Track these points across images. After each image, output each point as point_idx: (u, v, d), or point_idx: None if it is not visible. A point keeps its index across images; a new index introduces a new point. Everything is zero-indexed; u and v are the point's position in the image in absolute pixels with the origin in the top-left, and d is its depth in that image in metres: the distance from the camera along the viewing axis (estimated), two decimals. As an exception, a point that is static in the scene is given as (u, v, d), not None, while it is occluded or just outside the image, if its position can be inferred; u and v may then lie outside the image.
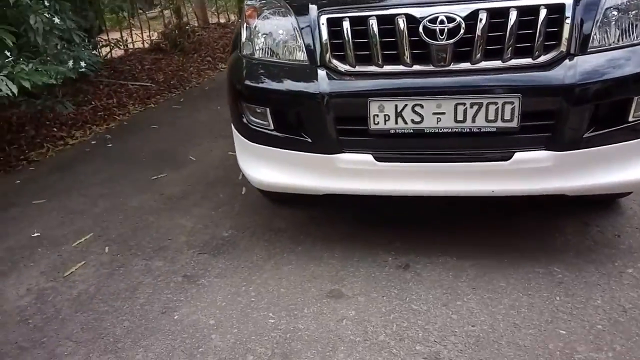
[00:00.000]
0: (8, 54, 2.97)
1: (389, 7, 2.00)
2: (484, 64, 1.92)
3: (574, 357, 1.73)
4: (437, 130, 1.97)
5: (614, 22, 1.91)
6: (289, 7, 2.18)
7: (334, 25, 2.02)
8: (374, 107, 1.98)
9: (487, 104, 1.90)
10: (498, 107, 1.89)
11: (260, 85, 2.23)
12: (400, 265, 2.27)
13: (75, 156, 4.05)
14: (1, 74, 2.81)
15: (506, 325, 1.88)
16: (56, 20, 3.24)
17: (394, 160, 2.05)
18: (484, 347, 1.80)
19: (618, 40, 1.91)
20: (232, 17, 10.07)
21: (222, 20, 9.96)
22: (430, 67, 1.95)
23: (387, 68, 1.99)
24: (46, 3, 3.23)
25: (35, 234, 2.82)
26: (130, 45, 7.98)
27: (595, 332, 1.83)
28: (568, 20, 1.86)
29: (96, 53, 5.30)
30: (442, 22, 1.89)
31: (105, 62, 6.74)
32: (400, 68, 1.98)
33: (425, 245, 2.39)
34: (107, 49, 6.97)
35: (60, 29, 3.41)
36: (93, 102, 5.30)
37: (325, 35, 2.03)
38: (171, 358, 1.87)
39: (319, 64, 2.06)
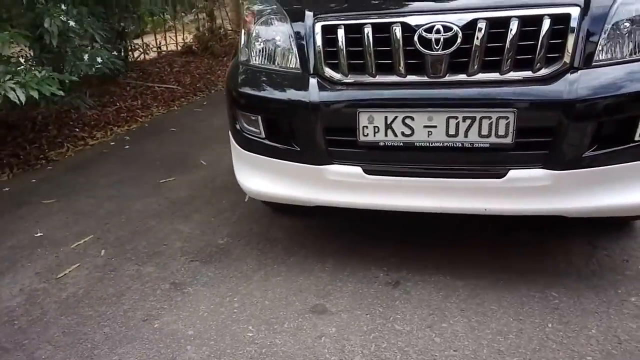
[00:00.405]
0: (22, 60, 3.05)
1: (385, 16, 1.93)
2: (481, 76, 1.83)
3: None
4: (428, 144, 1.89)
5: (623, 35, 1.79)
6: (285, 13, 2.14)
7: (329, 32, 1.97)
8: (363, 118, 1.91)
9: (481, 118, 1.81)
10: (492, 122, 1.80)
11: (253, 92, 2.20)
12: (390, 282, 2.19)
13: (92, 157, 4.12)
14: (12, 81, 2.87)
15: (490, 352, 1.77)
16: (71, 23, 3.30)
17: (384, 173, 1.98)
18: (464, 375, 1.70)
19: (626, 55, 1.78)
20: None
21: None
22: (424, 78, 1.88)
23: (380, 78, 1.92)
24: (63, 7, 3.30)
25: (39, 234, 2.85)
26: (164, 48, 8.13)
27: (584, 364, 1.70)
28: (573, 32, 1.76)
29: (115, 54, 5.39)
30: (438, 31, 1.81)
31: (135, 64, 6.88)
32: (393, 78, 1.91)
33: (419, 261, 2.29)
34: (137, 52, 7.11)
35: (75, 32, 3.48)
36: (118, 104, 5.41)
37: (319, 43, 1.98)
38: (144, 368, 1.85)
39: (311, 72, 2.01)
